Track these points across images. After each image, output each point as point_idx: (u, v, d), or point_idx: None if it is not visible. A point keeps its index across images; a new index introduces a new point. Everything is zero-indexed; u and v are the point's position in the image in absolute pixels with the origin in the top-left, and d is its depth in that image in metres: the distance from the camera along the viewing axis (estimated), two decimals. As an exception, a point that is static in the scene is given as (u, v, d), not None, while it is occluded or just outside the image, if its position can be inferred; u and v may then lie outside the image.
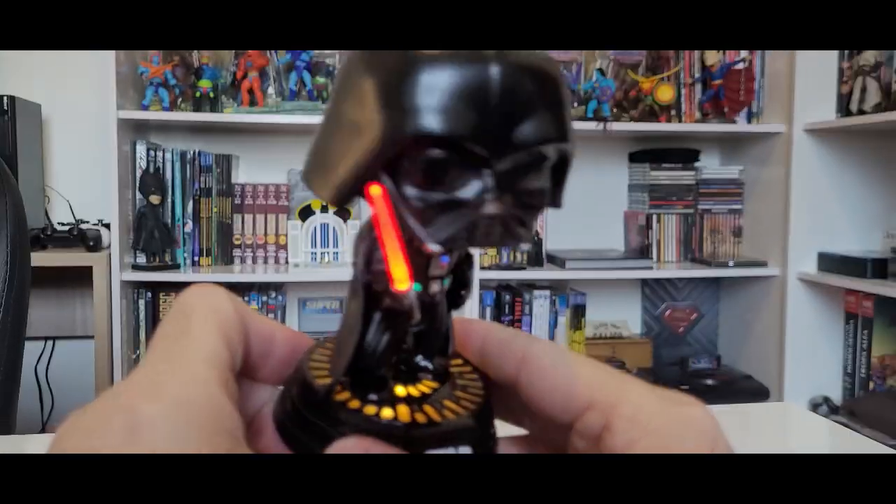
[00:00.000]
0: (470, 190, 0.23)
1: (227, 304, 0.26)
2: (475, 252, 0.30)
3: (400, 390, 0.27)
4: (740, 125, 2.35)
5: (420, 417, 0.26)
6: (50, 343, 2.29)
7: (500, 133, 0.22)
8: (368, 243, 0.26)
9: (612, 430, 0.24)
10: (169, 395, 0.22)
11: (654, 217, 2.45)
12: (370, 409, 0.26)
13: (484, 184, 0.23)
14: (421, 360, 0.28)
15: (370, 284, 0.26)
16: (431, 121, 0.22)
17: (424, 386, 0.28)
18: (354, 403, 0.26)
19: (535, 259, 2.31)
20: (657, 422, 0.24)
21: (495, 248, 2.24)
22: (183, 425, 0.21)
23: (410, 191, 0.23)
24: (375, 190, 0.23)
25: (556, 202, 0.25)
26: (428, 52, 0.22)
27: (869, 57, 2.15)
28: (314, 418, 0.26)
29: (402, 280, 0.24)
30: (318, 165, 0.25)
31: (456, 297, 0.29)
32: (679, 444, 0.23)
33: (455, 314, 0.30)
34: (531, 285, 2.38)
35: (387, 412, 0.26)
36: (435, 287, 0.27)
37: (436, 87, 0.22)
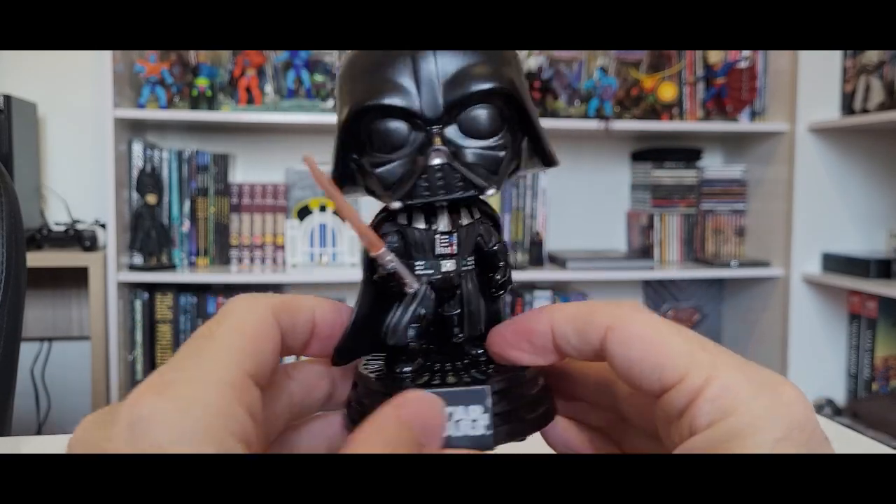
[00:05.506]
0: (414, 148, 0.28)
1: (261, 311, 0.26)
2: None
3: (436, 366, 0.30)
4: (743, 124, 2.33)
5: (435, 381, 0.28)
6: (46, 344, 2.26)
7: (429, 94, 0.28)
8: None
9: (695, 412, 0.24)
10: (177, 393, 0.22)
11: (657, 217, 2.44)
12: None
13: (424, 140, 0.28)
14: (472, 349, 0.31)
15: (373, 267, 0.29)
16: (368, 94, 0.28)
17: (462, 364, 0.30)
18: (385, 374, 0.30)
19: (536, 259, 2.30)
20: (742, 407, 0.23)
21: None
22: (188, 424, 0.21)
23: (371, 160, 0.29)
24: (309, 160, 0.27)
25: (545, 159, 0.31)
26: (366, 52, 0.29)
27: (872, 56, 2.13)
28: (361, 398, 0.30)
29: (372, 244, 0.28)
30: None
31: (490, 281, 0.31)
32: (759, 429, 0.23)
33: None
34: (532, 286, 2.36)
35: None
36: (447, 265, 0.30)
37: (367, 70, 0.28)
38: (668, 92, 2.25)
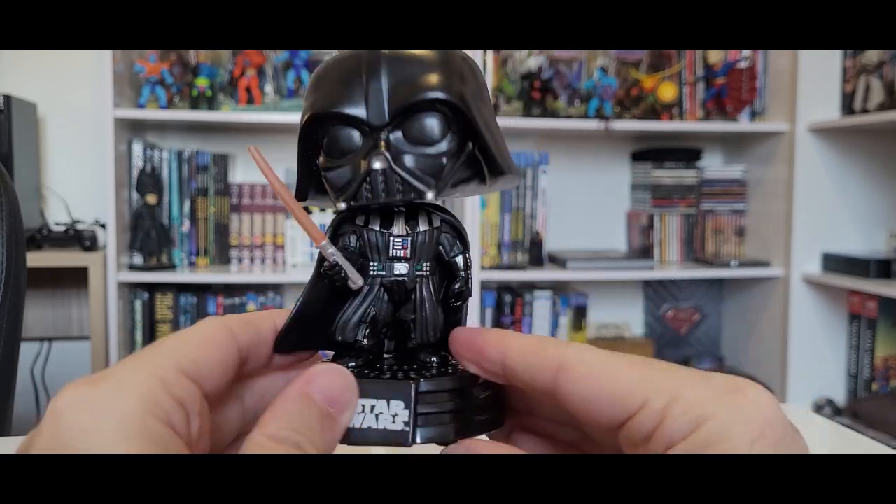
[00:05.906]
0: (360, 153, 0.29)
1: (213, 324, 0.28)
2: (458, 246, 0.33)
3: (385, 365, 0.31)
4: (743, 124, 2.33)
5: (372, 375, 0.29)
6: (46, 344, 2.26)
7: (376, 103, 0.29)
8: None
9: (665, 429, 0.24)
10: (101, 385, 0.23)
11: (657, 217, 2.43)
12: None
13: (370, 146, 0.29)
14: (426, 356, 0.31)
15: (323, 260, 0.30)
16: (321, 103, 0.29)
17: (411, 367, 0.31)
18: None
19: (536, 259, 2.29)
20: (713, 415, 0.23)
21: (495, 250, 2.23)
22: (107, 407, 0.23)
23: (325, 164, 0.30)
24: (254, 151, 0.29)
25: (493, 168, 0.31)
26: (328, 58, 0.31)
27: (872, 56, 2.13)
28: None
29: (313, 237, 0.29)
30: None
31: (449, 289, 0.32)
32: (733, 433, 0.23)
33: (472, 322, 0.31)
34: (532, 286, 2.36)
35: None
36: (400, 268, 0.31)
37: (325, 81, 0.30)
38: (668, 92, 2.25)
